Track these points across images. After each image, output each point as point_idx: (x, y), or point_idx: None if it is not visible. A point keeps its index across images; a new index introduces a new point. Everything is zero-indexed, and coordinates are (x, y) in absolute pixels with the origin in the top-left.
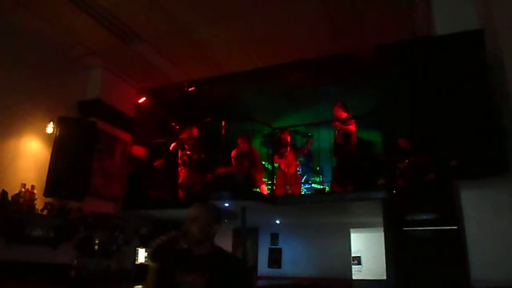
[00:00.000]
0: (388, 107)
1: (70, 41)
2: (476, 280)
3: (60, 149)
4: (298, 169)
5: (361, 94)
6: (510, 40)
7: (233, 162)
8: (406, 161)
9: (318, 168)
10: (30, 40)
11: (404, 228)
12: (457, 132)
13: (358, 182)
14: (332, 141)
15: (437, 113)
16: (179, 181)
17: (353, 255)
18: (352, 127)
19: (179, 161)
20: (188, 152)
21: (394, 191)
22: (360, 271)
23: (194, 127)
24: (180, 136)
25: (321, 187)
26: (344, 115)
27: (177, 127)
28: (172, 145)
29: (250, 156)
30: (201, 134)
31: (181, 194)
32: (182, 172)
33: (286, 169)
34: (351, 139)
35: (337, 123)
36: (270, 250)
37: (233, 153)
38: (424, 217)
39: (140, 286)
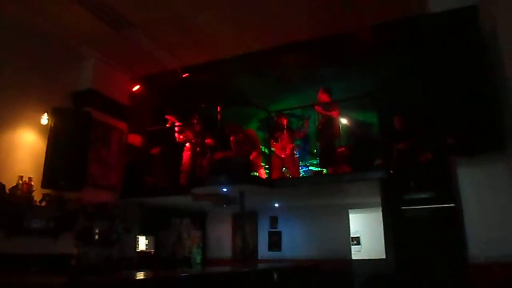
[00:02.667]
0: (384, 87)
1: (61, 32)
2: (474, 257)
3: (56, 140)
4: (294, 152)
5: (357, 75)
6: (504, 16)
7: (232, 147)
8: (403, 143)
9: (315, 150)
10: (22, 32)
11: (402, 207)
12: (453, 109)
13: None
14: (316, 126)
15: (433, 91)
16: (182, 166)
17: (352, 235)
18: (334, 113)
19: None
20: (193, 139)
21: (391, 171)
22: (360, 251)
23: (194, 117)
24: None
25: (319, 169)
26: (327, 99)
27: (173, 119)
28: (178, 136)
29: (249, 140)
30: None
31: (182, 179)
32: (185, 157)
33: (281, 153)
34: (334, 124)
35: (318, 108)
36: (270, 233)
37: (232, 138)
38: (422, 196)
39: (141, 273)
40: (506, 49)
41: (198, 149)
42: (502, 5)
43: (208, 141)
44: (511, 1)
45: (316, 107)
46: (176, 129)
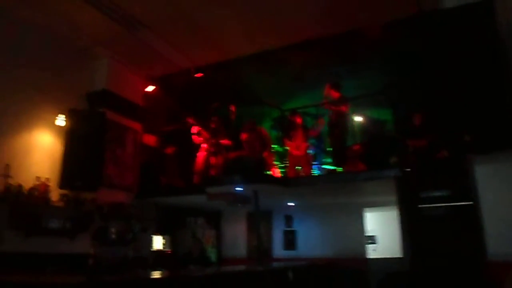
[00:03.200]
0: (398, 84)
1: (75, 33)
2: (493, 254)
3: (72, 141)
4: (309, 150)
5: (371, 72)
6: None
7: (244, 146)
8: (422, 140)
9: (330, 149)
10: (36, 34)
11: (419, 206)
12: (469, 106)
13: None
14: (327, 122)
15: (449, 88)
16: (197, 166)
17: (368, 234)
18: (344, 108)
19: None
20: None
21: (408, 169)
22: (376, 250)
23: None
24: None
25: (333, 167)
26: (336, 95)
27: (192, 121)
28: (197, 138)
29: (261, 138)
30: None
31: (196, 179)
32: (200, 158)
33: (295, 151)
34: (344, 120)
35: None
36: (285, 232)
37: (243, 136)
38: (439, 193)
39: (157, 272)
40: None
41: (212, 149)
42: None
43: (224, 141)
44: None
45: (326, 104)
46: (195, 131)
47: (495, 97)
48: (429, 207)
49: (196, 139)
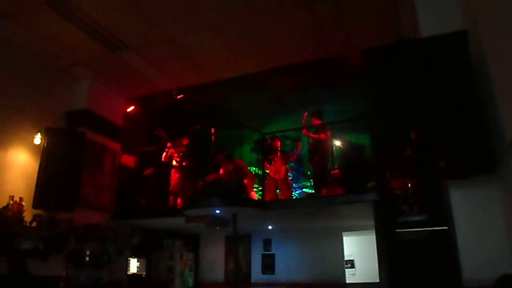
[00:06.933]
0: (376, 110)
1: (57, 52)
2: (468, 280)
3: (48, 160)
4: (288, 174)
5: (350, 98)
6: (493, 40)
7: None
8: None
9: (309, 172)
10: (17, 51)
11: (396, 230)
12: (445, 132)
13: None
14: (308, 149)
15: (425, 114)
16: (170, 187)
17: (346, 258)
18: (322, 136)
19: (172, 168)
20: (178, 159)
21: (385, 193)
22: (354, 275)
23: (184, 137)
24: (169, 145)
25: (312, 191)
26: (317, 122)
27: (163, 136)
28: (163, 155)
29: (238, 171)
30: (191, 142)
31: (171, 200)
32: (173, 179)
33: (275, 175)
34: (322, 147)
35: (304, 131)
36: (263, 256)
37: (221, 171)
38: (416, 218)
39: None
40: (494, 74)
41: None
42: (490, 29)
43: (185, 163)
44: (497, 28)
45: (303, 130)
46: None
47: (469, 123)
48: (406, 231)
49: (164, 157)
